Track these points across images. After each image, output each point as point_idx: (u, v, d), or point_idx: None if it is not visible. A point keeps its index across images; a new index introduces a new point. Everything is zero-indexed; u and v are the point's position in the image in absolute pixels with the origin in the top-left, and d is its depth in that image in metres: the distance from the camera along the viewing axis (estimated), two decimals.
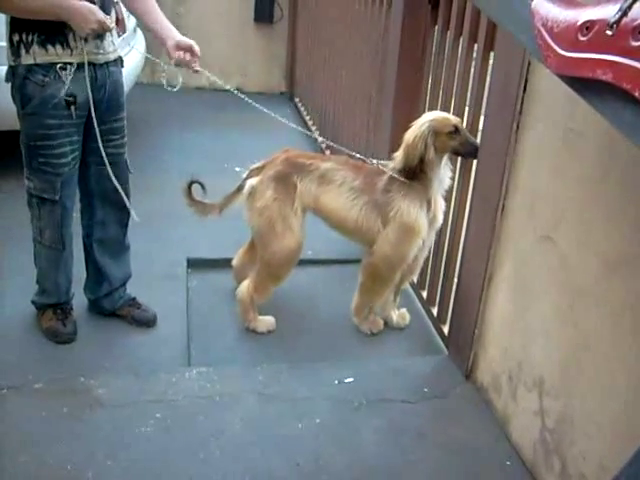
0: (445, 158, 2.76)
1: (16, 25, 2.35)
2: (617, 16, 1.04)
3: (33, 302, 2.83)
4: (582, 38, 1.13)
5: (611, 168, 1.83)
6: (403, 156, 2.73)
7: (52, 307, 2.78)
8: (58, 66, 2.39)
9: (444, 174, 2.79)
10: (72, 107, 2.44)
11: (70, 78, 2.41)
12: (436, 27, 3.06)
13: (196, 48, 2.57)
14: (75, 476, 2.07)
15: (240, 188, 2.91)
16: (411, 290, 3.41)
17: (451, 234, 2.93)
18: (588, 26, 1.12)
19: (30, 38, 2.35)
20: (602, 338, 1.89)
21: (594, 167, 1.91)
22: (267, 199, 2.80)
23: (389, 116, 3.37)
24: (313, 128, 5.39)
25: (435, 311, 3.11)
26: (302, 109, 5.89)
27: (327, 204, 2.84)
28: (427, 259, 3.19)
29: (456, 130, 2.66)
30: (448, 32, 2.90)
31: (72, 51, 2.40)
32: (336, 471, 2.19)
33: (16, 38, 2.36)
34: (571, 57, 1.16)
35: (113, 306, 2.91)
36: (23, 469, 2.07)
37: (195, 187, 2.96)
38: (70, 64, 2.41)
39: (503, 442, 2.38)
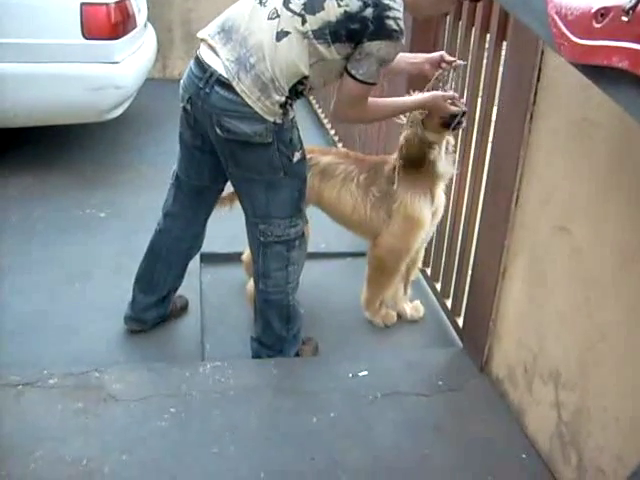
0: (444, 144, 2.74)
1: (292, 94, 2.29)
2: (633, 2, 1.02)
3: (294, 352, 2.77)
4: (597, 25, 1.11)
5: (627, 157, 1.81)
6: (405, 151, 2.73)
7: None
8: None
9: (446, 161, 2.77)
10: None
11: None
12: (448, 17, 3.03)
13: (446, 57, 2.64)
14: (91, 471, 2.08)
15: None
16: (425, 282, 3.39)
17: (465, 225, 2.91)
18: (603, 13, 1.10)
19: (296, 98, 2.34)
20: (618, 330, 1.87)
21: (609, 156, 1.88)
22: None
23: None
24: (325, 121, 5.37)
25: (449, 303, 3.09)
26: (314, 102, 5.87)
27: (331, 198, 2.85)
28: (441, 251, 3.18)
29: None
30: (460, 22, 2.88)
31: None
32: (351, 465, 2.18)
33: (290, 101, 2.30)
34: (586, 45, 1.15)
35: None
36: (39, 464, 2.08)
37: None
38: None
39: (519, 435, 2.36)
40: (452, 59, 2.62)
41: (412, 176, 2.74)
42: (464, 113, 2.61)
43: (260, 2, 2.26)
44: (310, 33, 2.19)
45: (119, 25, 4.10)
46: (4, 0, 3.83)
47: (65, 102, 4.10)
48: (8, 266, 3.23)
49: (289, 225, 2.49)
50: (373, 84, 2.29)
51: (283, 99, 2.26)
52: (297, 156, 2.41)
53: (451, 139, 2.80)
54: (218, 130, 2.30)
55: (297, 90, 2.30)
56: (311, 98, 5.96)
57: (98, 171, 4.38)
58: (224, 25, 2.32)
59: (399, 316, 3.09)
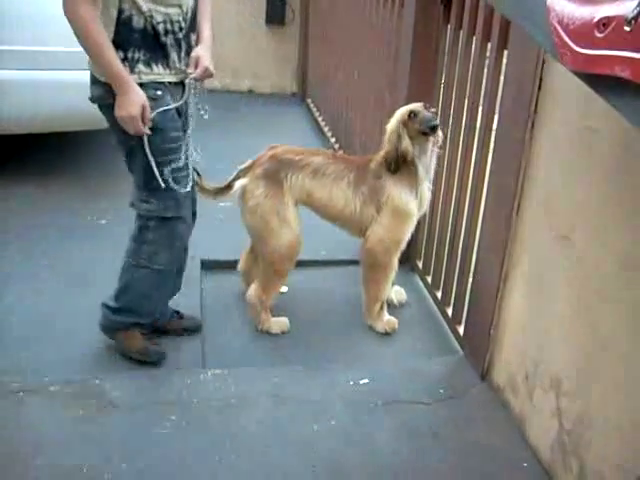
0: (429, 146, 2.89)
1: (121, 42, 2.27)
2: (635, 12, 1.02)
3: (112, 323, 2.68)
4: (599, 35, 1.12)
5: (628, 165, 1.81)
6: (385, 151, 2.90)
7: (139, 326, 2.70)
8: (165, 82, 2.38)
9: (430, 162, 2.93)
10: (182, 118, 2.47)
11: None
12: (449, 26, 3.05)
13: (203, 66, 2.42)
14: (91, 478, 2.07)
15: (229, 186, 2.93)
16: (426, 291, 3.40)
17: (466, 233, 2.91)
18: (605, 22, 1.10)
19: (137, 56, 2.30)
20: (620, 338, 1.87)
21: (610, 165, 1.89)
22: (258, 197, 2.84)
23: None
24: (325, 129, 5.38)
25: (450, 311, 3.09)
26: (314, 110, 5.88)
27: (323, 196, 2.93)
28: (442, 259, 3.18)
29: (413, 114, 2.82)
30: (461, 31, 2.89)
31: (170, 70, 2.38)
32: (352, 472, 2.18)
33: (120, 55, 2.26)
34: (588, 54, 1.15)
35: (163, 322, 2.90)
36: (39, 472, 2.08)
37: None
38: (171, 83, 2.40)
39: (520, 443, 2.36)
40: (189, 71, 2.43)
41: (398, 173, 2.87)
42: (435, 126, 2.80)
43: None
44: None
45: None
46: (9, 8, 3.85)
47: (69, 109, 4.11)
48: (11, 273, 3.23)
49: (140, 198, 2.49)
50: None
51: None
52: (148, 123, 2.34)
53: (439, 139, 2.93)
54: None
55: (124, 33, 2.26)
56: (312, 106, 5.98)
57: (100, 178, 4.38)
58: None
59: (388, 305, 3.15)
